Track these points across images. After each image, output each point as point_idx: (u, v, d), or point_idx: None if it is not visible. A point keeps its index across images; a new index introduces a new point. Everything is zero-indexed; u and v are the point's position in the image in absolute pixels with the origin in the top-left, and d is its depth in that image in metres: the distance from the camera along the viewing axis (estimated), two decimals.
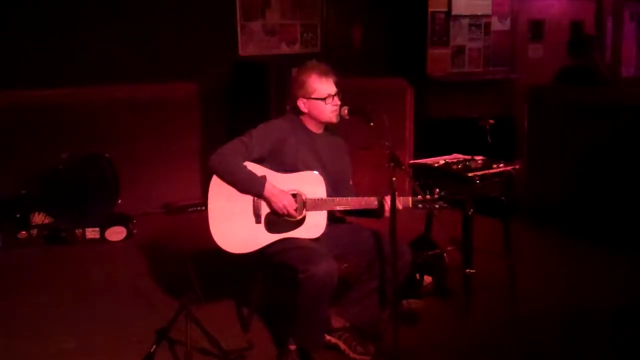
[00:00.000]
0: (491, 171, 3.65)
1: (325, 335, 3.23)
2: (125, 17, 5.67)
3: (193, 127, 5.99)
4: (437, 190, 3.17)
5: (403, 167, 2.98)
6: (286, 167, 3.19)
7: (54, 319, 3.72)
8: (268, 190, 3.12)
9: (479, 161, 3.79)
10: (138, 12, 5.71)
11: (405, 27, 6.67)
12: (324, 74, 3.21)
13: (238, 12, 6.12)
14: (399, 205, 3.06)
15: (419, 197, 3.15)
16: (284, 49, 6.38)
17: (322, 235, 3.18)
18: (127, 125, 5.67)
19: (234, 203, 3.16)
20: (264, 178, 3.13)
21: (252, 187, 3.13)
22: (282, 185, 3.16)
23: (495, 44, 7.31)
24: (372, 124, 3.01)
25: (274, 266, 3.22)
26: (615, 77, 6.47)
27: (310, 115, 3.25)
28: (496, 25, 7.30)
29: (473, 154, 3.87)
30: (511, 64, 7.46)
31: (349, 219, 3.43)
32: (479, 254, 3.72)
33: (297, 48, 6.43)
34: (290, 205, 3.13)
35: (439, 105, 6.57)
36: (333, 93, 3.21)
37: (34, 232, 5.06)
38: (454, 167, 3.73)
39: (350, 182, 3.44)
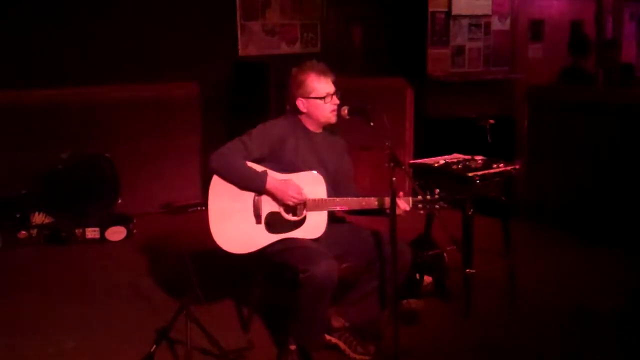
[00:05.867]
0: (491, 171, 3.65)
1: (325, 335, 3.23)
2: (126, 17, 5.67)
3: (193, 126, 5.99)
4: (437, 190, 3.17)
5: (403, 167, 2.98)
6: (286, 166, 3.19)
7: (54, 319, 3.72)
8: (270, 184, 3.12)
9: (479, 161, 3.79)
10: (138, 12, 5.71)
11: (405, 27, 6.68)
12: (322, 73, 3.21)
13: (238, 12, 6.13)
14: (402, 208, 3.06)
15: (419, 197, 3.15)
16: (284, 49, 6.38)
17: (322, 235, 3.18)
18: (127, 125, 5.67)
19: (234, 203, 3.16)
20: (265, 173, 3.13)
21: (254, 182, 3.13)
22: None
23: (495, 44, 7.32)
24: (372, 124, 3.01)
25: (274, 266, 3.22)
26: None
27: (309, 115, 3.25)
28: (496, 25, 7.30)
29: (473, 154, 3.87)
30: (511, 64, 7.46)
31: (350, 218, 3.43)
32: (479, 254, 3.72)
33: (297, 48, 6.43)
34: (296, 189, 3.11)
35: (438, 105, 6.57)
36: (332, 92, 3.21)
37: (34, 232, 5.06)
38: (454, 167, 3.73)
39: (352, 182, 3.44)
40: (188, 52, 5.92)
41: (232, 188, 3.16)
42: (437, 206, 3.17)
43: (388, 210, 2.98)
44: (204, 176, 5.55)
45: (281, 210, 3.18)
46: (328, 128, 3.33)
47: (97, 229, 5.10)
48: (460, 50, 7.10)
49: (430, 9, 6.78)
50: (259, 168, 3.16)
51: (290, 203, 3.13)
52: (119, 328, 3.60)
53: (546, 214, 5.31)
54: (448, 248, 3.96)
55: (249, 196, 3.17)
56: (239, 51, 6.17)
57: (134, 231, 5.20)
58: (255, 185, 3.13)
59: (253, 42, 6.22)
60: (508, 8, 7.38)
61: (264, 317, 3.63)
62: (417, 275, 3.91)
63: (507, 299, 3.87)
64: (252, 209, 3.17)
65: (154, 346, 3.15)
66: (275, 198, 3.15)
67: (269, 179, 3.12)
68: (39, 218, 5.10)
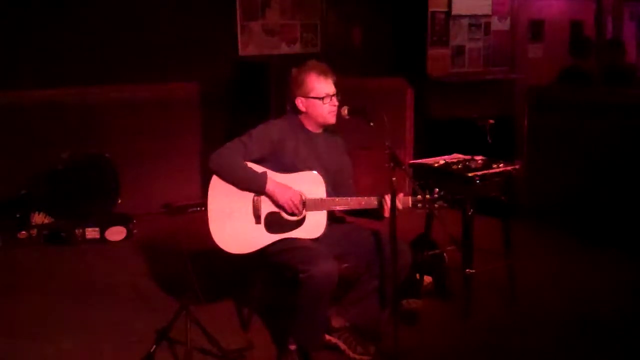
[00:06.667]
0: (491, 171, 3.65)
1: (325, 335, 3.24)
2: (126, 17, 5.67)
3: (193, 127, 5.99)
4: (437, 190, 3.17)
5: (403, 167, 2.99)
6: (286, 167, 3.19)
7: (54, 319, 3.72)
8: (270, 186, 3.12)
9: (479, 161, 3.79)
10: (138, 12, 5.71)
11: (405, 27, 6.68)
12: (323, 73, 3.21)
13: (238, 12, 6.12)
14: (399, 206, 3.06)
15: (419, 197, 3.15)
16: (284, 49, 6.38)
17: (322, 235, 3.18)
18: (127, 125, 5.67)
19: (234, 203, 3.16)
20: (265, 174, 3.13)
21: (254, 184, 3.13)
22: None
23: (495, 44, 7.31)
24: (372, 124, 3.01)
25: (274, 266, 3.22)
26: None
27: (307, 115, 3.25)
28: (496, 25, 7.29)
29: (473, 154, 3.87)
30: (511, 64, 7.46)
31: (349, 219, 3.43)
32: (479, 254, 3.72)
33: (297, 48, 6.43)
34: (295, 197, 3.12)
35: (439, 105, 6.57)
36: (331, 93, 3.20)
37: (34, 232, 5.06)
38: (454, 167, 3.73)
39: (351, 182, 3.44)
40: (188, 52, 5.91)
41: (231, 188, 3.16)
42: (436, 205, 3.17)
43: (386, 214, 3.00)
44: (203, 176, 5.55)
45: (281, 210, 3.17)
46: (328, 128, 3.33)
47: (97, 229, 5.10)
48: (460, 50, 7.09)
49: (430, 9, 6.77)
50: (259, 169, 3.16)
51: (287, 208, 3.13)
52: (119, 328, 3.59)
53: (546, 213, 5.31)
54: (448, 248, 3.97)
55: (249, 196, 3.17)
56: (239, 51, 6.16)
57: (134, 231, 5.20)
58: (255, 186, 3.13)
59: (253, 42, 6.22)
60: (508, 8, 7.37)
61: (264, 317, 3.63)
62: (417, 275, 3.91)
63: (507, 299, 3.87)
64: (251, 209, 3.17)
65: (154, 346, 3.15)
66: (273, 201, 3.15)
67: (269, 180, 3.12)
68: (39, 218, 5.10)
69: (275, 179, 3.16)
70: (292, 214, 3.16)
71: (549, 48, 7.71)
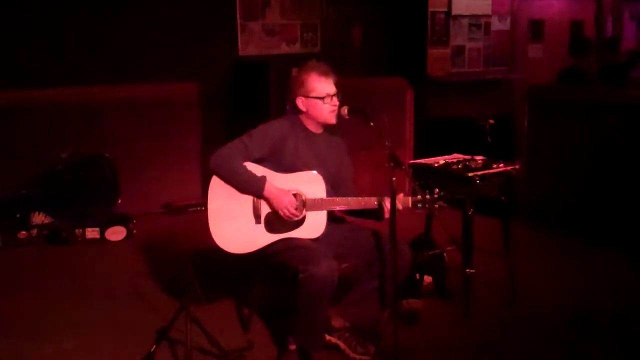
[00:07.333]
0: (491, 171, 3.65)
1: (325, 335, 3.23)
2: (125, 17, 5.67)
3: (193, 127, 5.99)
4: (437, 190, 3.17)
5: (403, 167, 2.99)
6: (286, 167, 3.19)
7: (54, 319, 3.72)
8: (268, 191, 3.12)
9: (479, 161, 3.79)
10: (138, 12, 5.71)
11: (405, 27, 6.68)
12: (323, 73, 3.21)
13: (238, 12, 6.12)
14: (399, 206, 3.06)
15: (419, 197, 3.14)
16: (284, 48, 6.38)
17: (322, 235, 3.18)
18: (127, 125, 5.67)
19: (234, 203, 3.16)
20: (264, 178, 3.13)
21: (252, 187, 3.13)
22: (282, 185, 3.16)
23: (495, 44, 7.31)
24: (372, 124, 3.01)
25: (274, 266, 3.22)
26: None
27: (308, 115, 3.25)
28: (496, 25, 7.30)
29: (473, 154, 3.87)
30: (511, 64, 7.46)
31: (349, 219, 3.44)
32: (479, 254, 3.72)
33: (297, 48, 6.43)
34: (291, 204, 3.13)
35: (438, 105, 6.57)
36: (332, 93, 3.20)
37: (34, 232, 5.05)
38: (454, 167, 3.73)
39: (351, 182, 3.44)
40: (188, 52, 5.91)
41: (231, 188, 3.16)
42: (436, 206, 3.17)
43: (386, 215, 3.00)
44: (204, 176, 5.56)
45: None
46: (328, 128, 3.33)
47: (97, 229, 5.10)
48: (460, 50, 7.09)
49: (430, 9, 6.78)
50: (258, 172, 3.16)
51: (282, 214, 3.13)
52: (119, 328, 3.60)
53: (546, 214, 5.31)
54: (448, 248, 3.96)
55: (249, 196, 3.17)
56: (239, 51, 6.17)
57: (134, 231, 5.20)
58: (253, 190, 3.14)
59: (253, 42, 6.22)
60: (508, 8, 7.37)
61: (264, 317, 3.63)
62: (417, 275, 3.91)
63: (507, 299, 3.87)
64: (251, 209, 3.17)
65: (154, 346, 3.15)
66: (270, 205, 3.15)
67: (267, 185, 3.12)
68: (39, 218, 5.10)
69: (276, 179, 3.16)
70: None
71: (549, 48, 7.71)
